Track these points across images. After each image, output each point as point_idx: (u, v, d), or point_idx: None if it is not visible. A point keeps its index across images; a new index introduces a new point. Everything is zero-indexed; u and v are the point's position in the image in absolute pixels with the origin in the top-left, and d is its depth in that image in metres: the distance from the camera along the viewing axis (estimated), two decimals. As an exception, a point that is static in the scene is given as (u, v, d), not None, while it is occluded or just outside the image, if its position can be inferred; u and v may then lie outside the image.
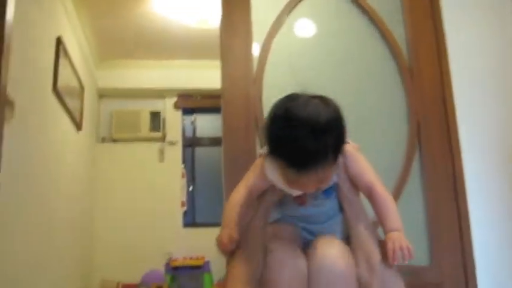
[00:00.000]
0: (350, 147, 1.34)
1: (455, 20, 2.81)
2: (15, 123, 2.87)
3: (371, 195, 1.34)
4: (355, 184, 1.38)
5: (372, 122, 2.66)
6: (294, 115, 1.17)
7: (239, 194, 1.38)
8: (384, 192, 1.33)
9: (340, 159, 1.28)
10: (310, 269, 1.28)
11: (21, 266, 3.03)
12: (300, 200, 1.37)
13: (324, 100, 1.23)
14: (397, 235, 1.25)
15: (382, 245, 1.27)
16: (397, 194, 2.54)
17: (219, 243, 1.26)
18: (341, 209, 1.41)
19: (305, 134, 1.16)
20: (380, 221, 1.31)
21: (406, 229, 1.30)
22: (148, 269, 5.17)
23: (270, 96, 2.63)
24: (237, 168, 2.53)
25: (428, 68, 2.76)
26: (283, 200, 1.41)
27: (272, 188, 1.38)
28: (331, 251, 1.29)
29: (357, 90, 2.73)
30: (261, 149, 1.42)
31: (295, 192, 1.32)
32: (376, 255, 1.26)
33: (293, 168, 1.19)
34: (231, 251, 1.29)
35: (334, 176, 1.32)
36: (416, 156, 2.67)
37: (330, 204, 1.39)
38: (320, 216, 1.39)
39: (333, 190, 1.37)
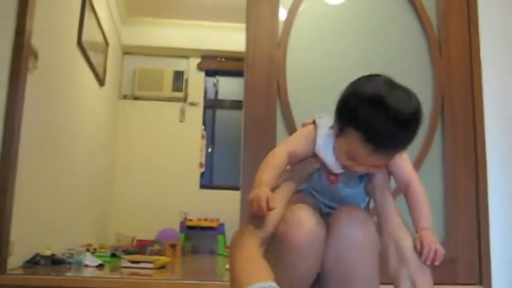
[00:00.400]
0: None
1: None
2: (38, 74, 2.88)
3: (408, 191, 1.35)
4: (394, 177, 1.38)
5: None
6: (397, 98, 1.15)
7: (278, 156, 1.33)
8: (420, 190, 1.35)
9: None
10: (328, 236, 1.29)
11: (39, 217, 3.09)
12: (333, 178, 1.36)
13: (409, 91, 1.20)
14: (430, 235, 1.28)
15: (415, 242, 1.28)
16: (416, 167, 2.52)
17: (257, 204, 1.17)
18: (366, 196, 1.43)
19: (404, 121, 1.14)
20: (413, 217, 1.33)
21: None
22: (163, 227, 5.24)
23: (294, 61, 2.61)
24: (256, 132, 2.53)
25: (458, 42, 2.70)
26: (312, 174, 1.40)
27: (311, 158, 1.36)
28: (350, 220, 1.30)
29: (382, 59, 2.69)
30: (308, 119, 1.40)
31: (339, 169, 1.30)
32: (406, 244, 1.28)
33: (371, 144, 1.16)
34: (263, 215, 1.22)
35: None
36: (439, 130, 2.64)
37: (359, 190, 1.40)
38: (347, 197, 1.39)
39: (367, 178, 1.37)
